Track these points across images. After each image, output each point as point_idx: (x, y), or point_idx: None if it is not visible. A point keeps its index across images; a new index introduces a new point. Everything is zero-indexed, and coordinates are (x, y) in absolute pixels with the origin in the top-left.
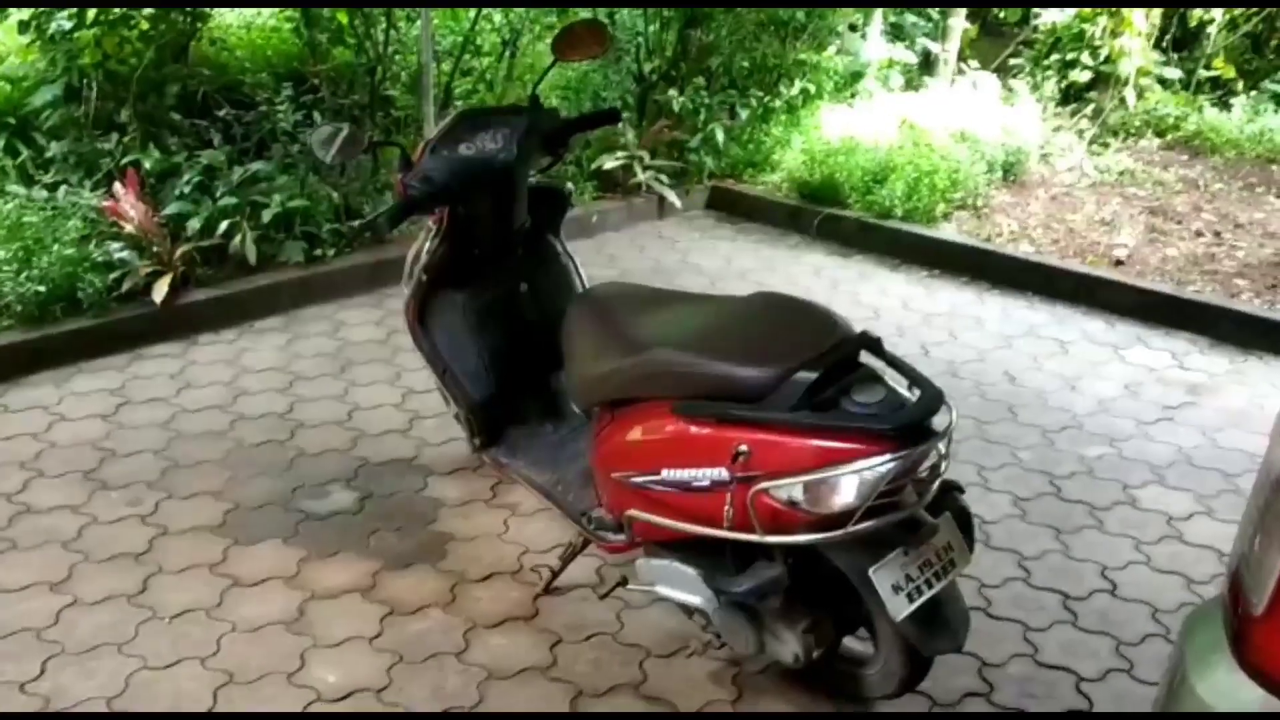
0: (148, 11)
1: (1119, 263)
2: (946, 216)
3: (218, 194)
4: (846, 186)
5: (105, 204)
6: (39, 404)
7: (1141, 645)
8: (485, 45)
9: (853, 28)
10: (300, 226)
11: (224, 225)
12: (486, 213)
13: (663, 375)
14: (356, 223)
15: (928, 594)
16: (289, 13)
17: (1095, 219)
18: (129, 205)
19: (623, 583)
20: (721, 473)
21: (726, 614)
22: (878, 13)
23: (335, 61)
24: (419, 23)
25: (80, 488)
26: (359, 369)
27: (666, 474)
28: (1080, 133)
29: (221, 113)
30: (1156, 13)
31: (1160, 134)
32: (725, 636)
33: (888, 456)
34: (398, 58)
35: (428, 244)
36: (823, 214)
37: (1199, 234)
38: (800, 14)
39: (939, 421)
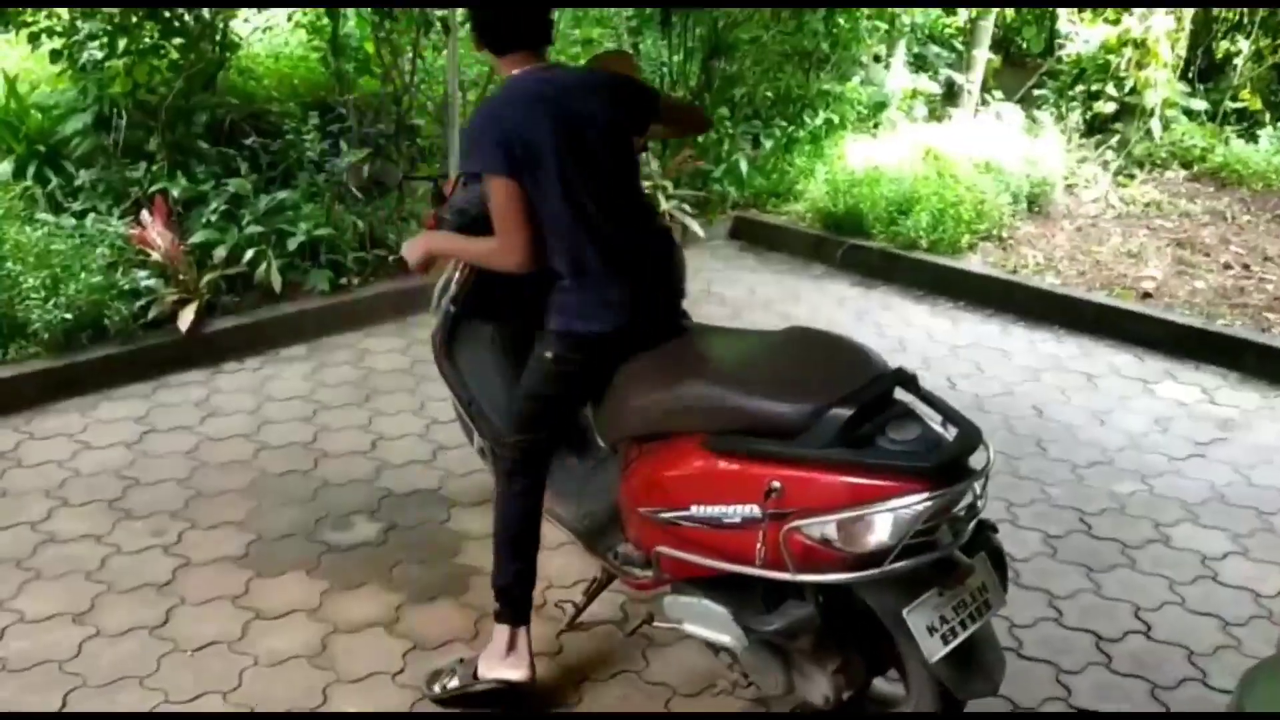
0: (178, 41)
1: (1146, 295)
2: (971, 248)
3: (244, 222)
4: (870, 217)
5: (133, 232)
6: (64, 431)
7: (1178, 689)
8: None
9: (876, 58)
10: (325, 255)
11: (250, 253)
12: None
13: (694, 410)
14: (392, 258)
15: (962, 636)
16: (316, 42)
17: (1122, 251)
18: (156, 233)
19: (649, 620)
20: (753, 509)
21: (755, 653)
22: (901, 43)
23: (362, 91)
24: (444, 53)
25: (104, 517)
26: (383, 398)
27: (696, 510)
28: (1105, 164)
29: (249, 141)
30: (1182, 44)
31: (1186, 165)
32: (753, 676)
33: (924, 495)
34: (423, 87)
35: (456, 274)
36: (847, 244)
37: (1227, 266)
38: (825, 45)
39: (976, 460)
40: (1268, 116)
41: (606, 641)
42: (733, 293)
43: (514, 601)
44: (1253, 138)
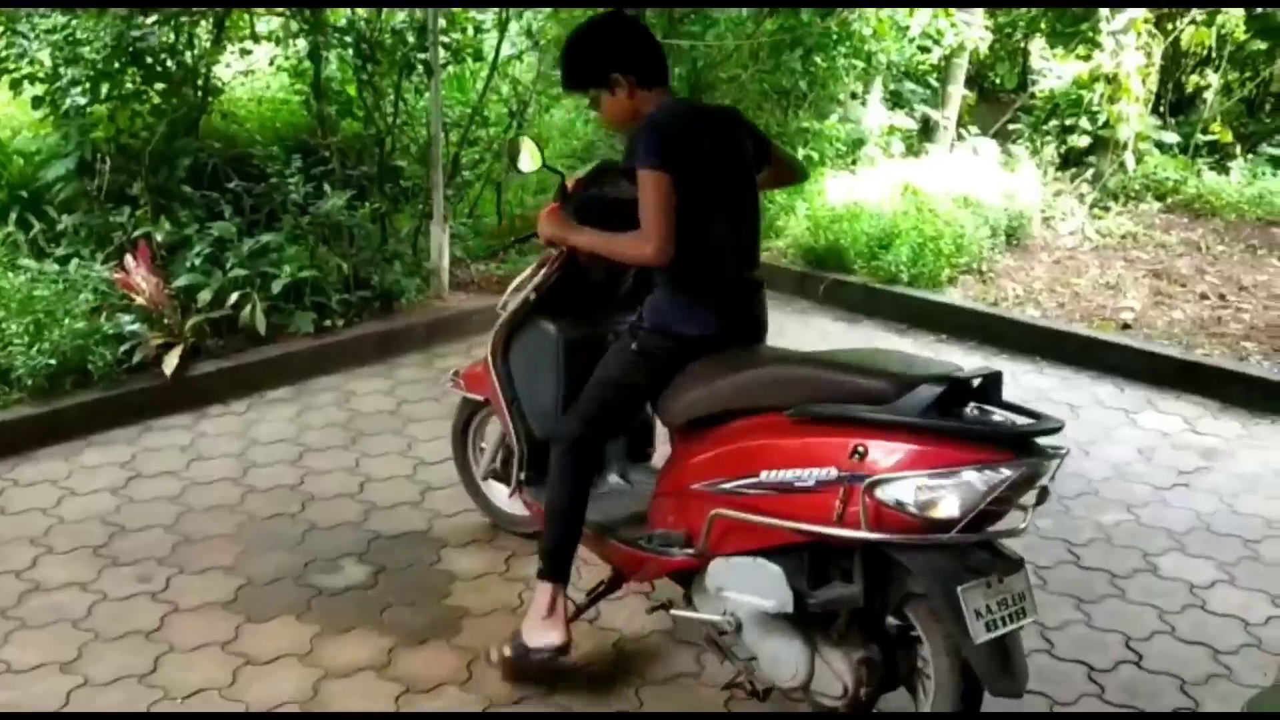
0: (160, 86)
1: (1126, 326)
2: (952, 281)
3: (228, 265)
4: (851, 252)
5: (116, 276)
6: (48, 478)
7: None
8: (492, 115)
9: (853, 95)
10: (310, 297)
11: (234, 296)
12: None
13: (784, 383)
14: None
15: (1004, 630)
16: (299, 85)
17: (1100, 282)
18: (140, 277)
19: (665, 606)
20: (830, 472)
21: (781, 636)
22: (877, 81)
23: (344, 133)
24: (427, 95)
25: (90, 564)
26: (370, 440)
27: (766, 476)
28: (1081, 196)
29: (232, 185)
30: (1153, 78)
31: (1160, 197)
32: (768, 667)
33: (1003, 465)
34: (406, 129)
35: (543, 271)
36: (829, 279)
37: (1204, 297)
38: (803, 83)
39: (1054, 445)
40: (1238, 148)
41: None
42: None
43: (560, 561)
44: (1224, 169)
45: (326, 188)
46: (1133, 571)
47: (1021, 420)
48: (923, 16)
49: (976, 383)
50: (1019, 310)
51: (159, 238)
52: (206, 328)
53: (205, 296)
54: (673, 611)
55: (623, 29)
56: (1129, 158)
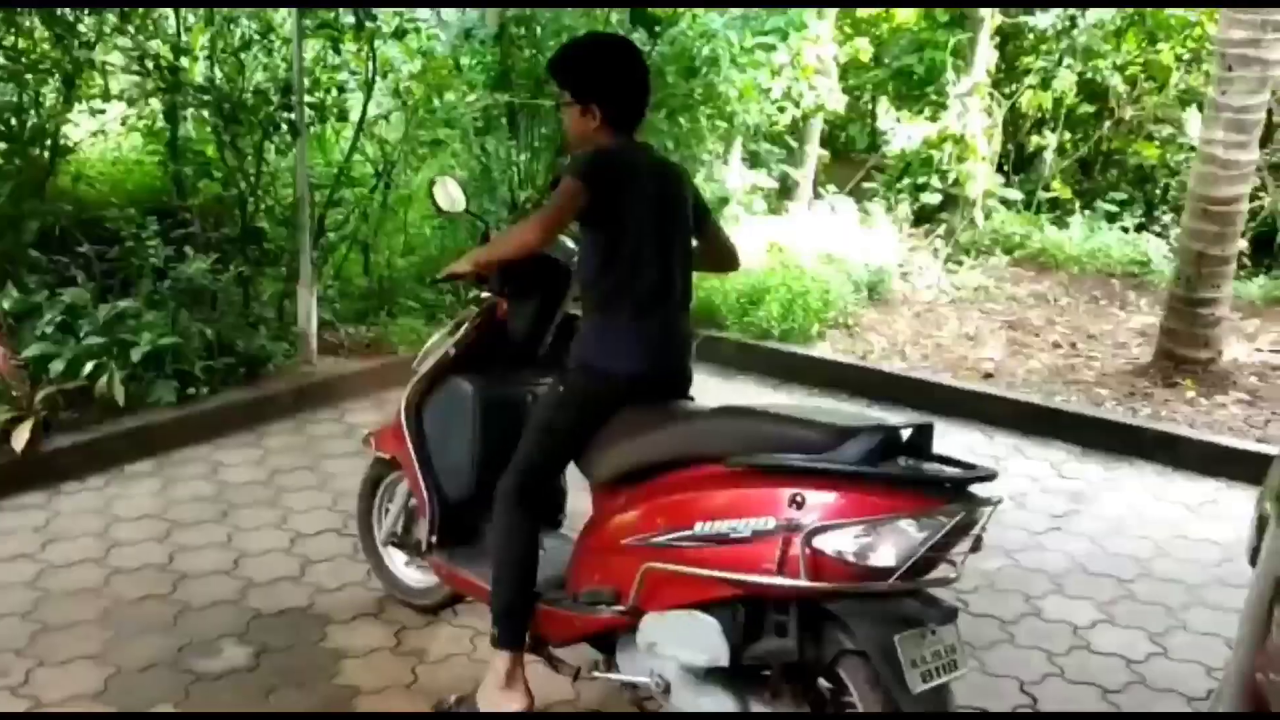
0: (3, 146)
1: (988, 375)
2: (821, 335)
3: (82, 334)
4: (723, 309)
5: None
6: None
7: None
8: (358, 175)
9: (715, 155)
10: (171, 365)
11: (89, 366)
12: (532, 311)
13: (721, 434)
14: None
15: (939, 680)
16: (154, 145)
17: (959, 334)
18: None
19: (596, 666)
20: (768, 521)
21: (712, 696)
22: (738, 141)
23: (204, 195)
24: (290, 155)
25: None
26: (242, 513)
27: (700, 528)
28: (935, 252)
29: (84, 249)
30: (997, 138)
31: (1008, 251)
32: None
33: (940, 513)
34: (269, 190)
35: (465, 327)
36: (702, 336)
37: (1056, 345)
38: (669, 142)
39: (988, 494)
40: (1077, 205)
41: None
42: None
43: (516, 626)
44: (1064, 225)
45: (188, 251)
46: (1019, 616)
47: (954, 470)
48: (783, 80)
49: (907, 434)
50: (886, 363)
51: (5, 305)
52: (59, 400)
53: (57, 367)
54: (595, 674)
55: (624, 66)
56: (978, 214)
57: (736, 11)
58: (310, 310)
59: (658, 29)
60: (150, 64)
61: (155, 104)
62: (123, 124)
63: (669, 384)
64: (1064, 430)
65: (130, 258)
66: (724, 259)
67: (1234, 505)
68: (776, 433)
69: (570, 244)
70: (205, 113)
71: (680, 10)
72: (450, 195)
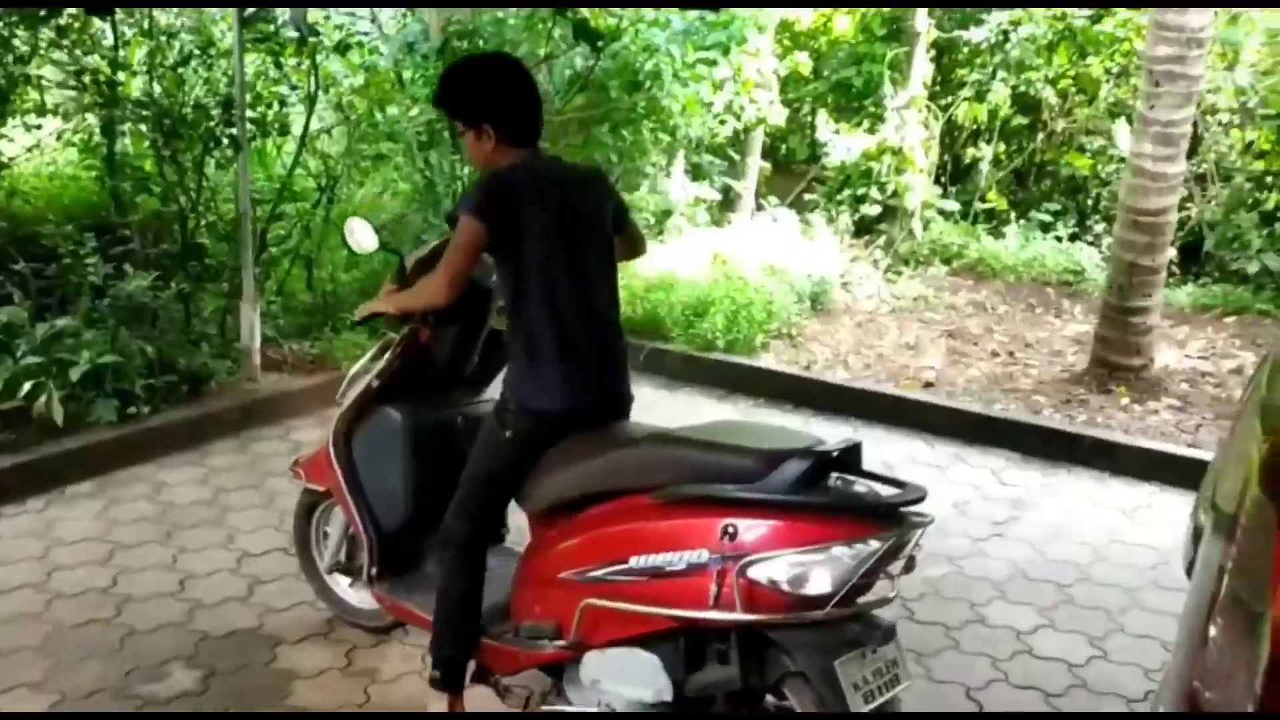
0: None
1: (928, 384)
2: (765, 347)
3: (19, 353)
4: (668, 321)
5: None
6: None
7: None
8: (300, 189)
9: (658, 168)
10: (112, 383)
11: (27, 386)
12: (452, 337)
13: (651, 465)
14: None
15: (880, 700)
16: (91, 160)
17: (900, 343)
18: None
19: (545, 698)
20: (701, 555)
21: None
22: (680, 153)
23: (142, 210)
24: (230, 170)
25: None
26: (187, 533)
27: (636, 562)
28: (875, 262)
29: (18, 266)
30: (934, 150)
31: (946, 261)
32: None
33: (874, 539)
34: (212, 205)
35: (388, 355)
36: (647, 348)
37: (994, 354)
38: (613, 155)
39: (920, 514)
40: (1012, 215)
41: None
42: None
43: (455, 671)
44: (1000, 235)
45: (128, 268)
46: (964, 622)
47: (885, 490)
48: (725, 94)
49: (836, 454)
50: (830, 373)
51: None
52: None
53: None
54: (544, 708)
55: (505, 82)
56: (917, 225)
57: (679, 26)
58: (254, 326)
59: (601, 43)
60: (88, 79)
61: (91, 119)
62: (58, 139)
63: (608, 409)
64: (1004, 438)
65: (68, 275)
66: (634, 249)
67: (1168, 510)
68: (707, 461)
69: (488, 259)
70: (144, 127)
71: (623, 25)
72: (359, 239)
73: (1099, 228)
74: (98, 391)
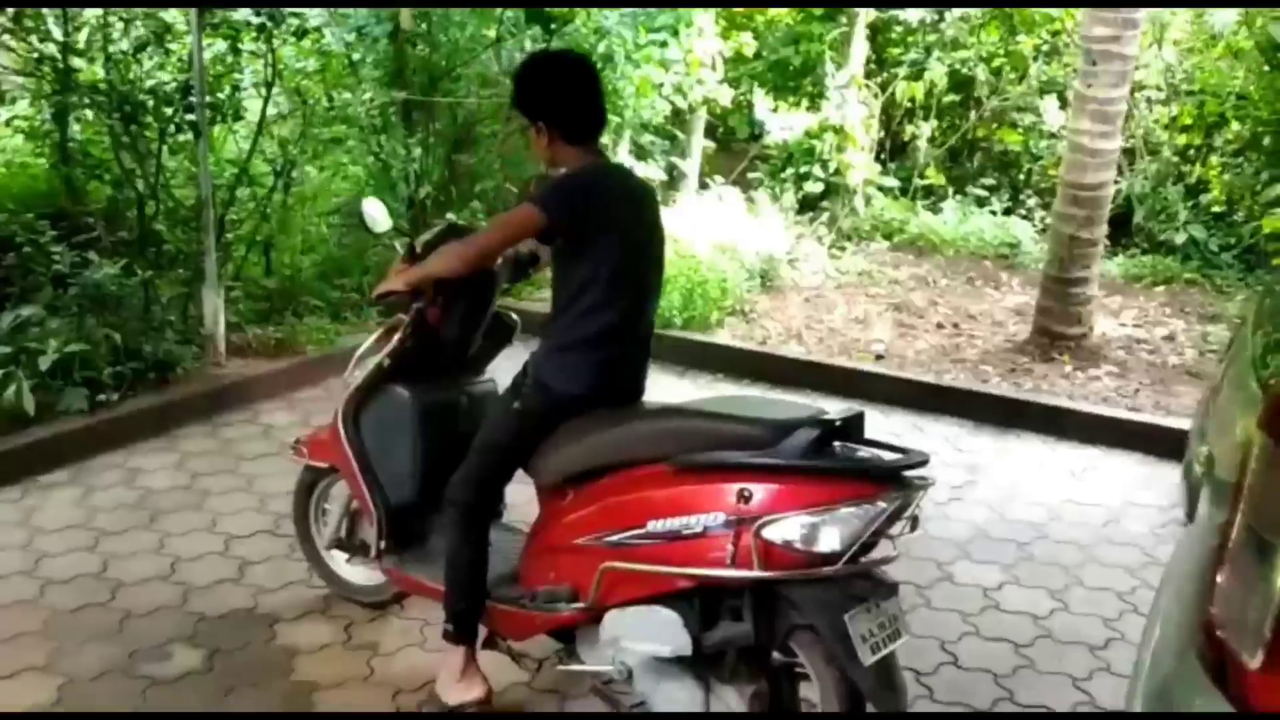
0: None
1: (879, 357)
2: (719, 323)
3: None
4: None
5: None
6: None
7: (994, 709)
8: (255, 174)
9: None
10: (80, 371)
11: None
12: (459, 317)
13: (667, 435)
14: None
15: (885, 650)
16: (41, 147)
17: (849, 318)
18: None
19: (559, 659)
20: (718, 517)
21: (674, 679)
22: (626, 133)
23: (98, 198)
24: (180, 156)
25: None
26: (169, 518)
27: (653, 526)
28: (820, 239)
29: None
30: (875, 128)
31: (888, 236)
32: (662, 705)
33: (882, 499)
34: (173, 191)
35: (397, 335)
36: None
37: (940, 326)
38: None
39: (922, 477)
40: (949, 191)
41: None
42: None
43: (469, 622)
44: (938, 210)
45: (93, 256)
46: (933, 581)
47: (888, 455)
48: (674, 75)
49: (840, 422)
50: (785, 348)
51: None
52: None
53: None
54: (560, 667)
55: (560, 80)
56: (859, 202)
57: (628, 9)
58: (217, 312)
59: (553, 26)
60: (47, 67)
61: (43, 105)
62: (6, 124)
63: (621, 399)
64: (955, 406)
65: (29, 264)
66: None
67: (1114, 470)
68: (721, 431)
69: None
70: (96, 113)
71: (575, 9)
72: (374, 217)
73: (1032, 202)
74: (66, 380)
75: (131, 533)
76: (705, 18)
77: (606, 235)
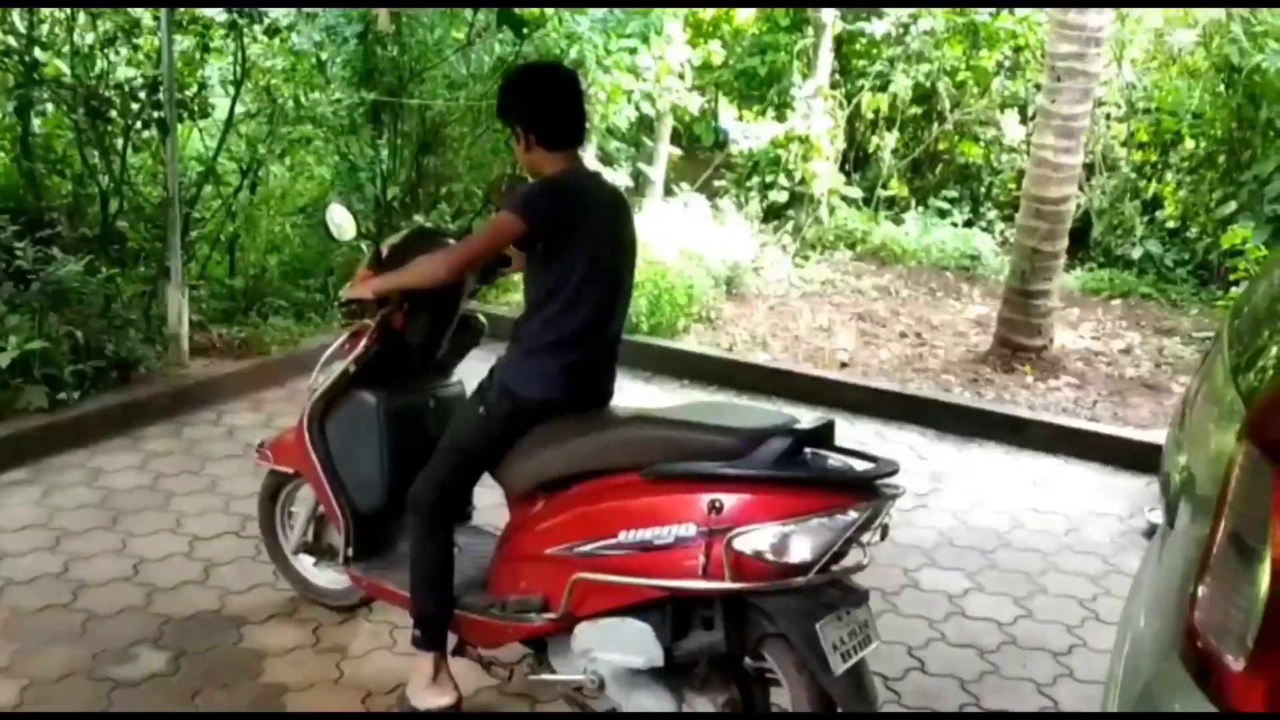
0: None
1: (844, 365)
2: (686, 330)
3: None
4: None
5: None
6: None
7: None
8: (221, 172)
9: None
10: (40, 369)
11: None
12: (426, 321)
13: (638, 444)
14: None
15: (856, 658)
16: (3, 141)
17: (814, 326)
18: None
19: (531, 669)
20: (689, 528)
21: (646, 689)
22: (593, 139)
23: (61, 194)
24: (144, 153)
25: None
26: (132, 518)
27: (624, 536)
28: (784, 247)
29: None
30: (840, 139)
31: (851, 246)
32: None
33: (852, 509)
34: (139, 188)
35: (364, 340)
36: None
37: (903, 335)
38: None
39: (893, 485)
40: (912, 202)
41: None
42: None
43: (437, 628)
44: (900, 221)
45: (55, 252)
46: (900, 587)
47: (858, 464)
48: (643, 82)
49: (812, 431)
50: (751, 355)
51: None
52: None
53: None
54: (531, 677)
55: (536, 87)
56: (823, 211)
57: (599, 14)
58: (181, 311)
59: (525, 31)
60: (12, 59)
61: (4, 98)
62: None
63: (589, 404)
64: (918, 415)
65: None
66: None
67: (1075, 480)
68: (692, 440)
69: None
70: (59, 108)
71: (546, 13)
72: (340, 224)
73: (992, 215)
74: (26, 378)
75: (94, 533)
76: (674, 25)
77: (581, 240)
